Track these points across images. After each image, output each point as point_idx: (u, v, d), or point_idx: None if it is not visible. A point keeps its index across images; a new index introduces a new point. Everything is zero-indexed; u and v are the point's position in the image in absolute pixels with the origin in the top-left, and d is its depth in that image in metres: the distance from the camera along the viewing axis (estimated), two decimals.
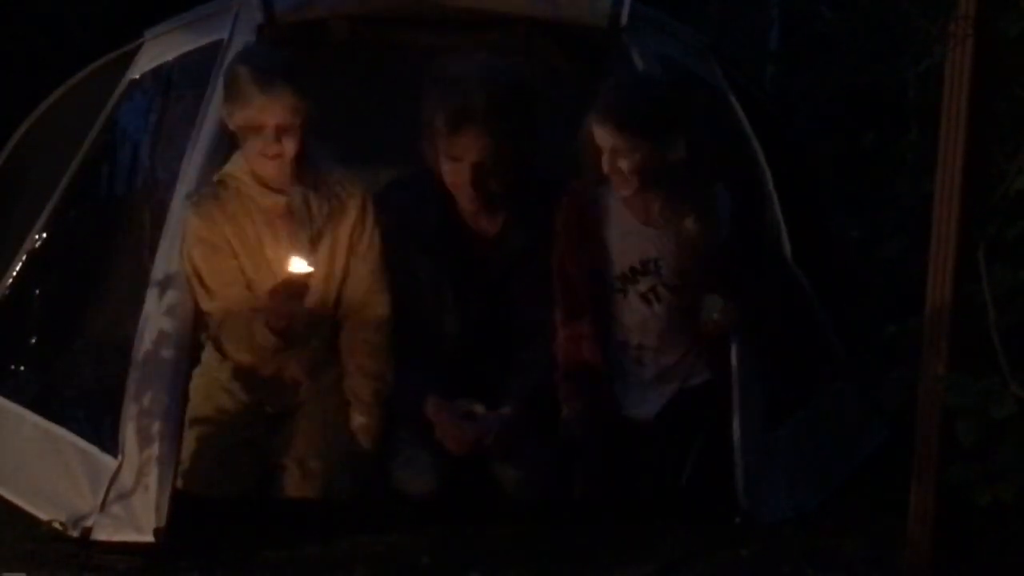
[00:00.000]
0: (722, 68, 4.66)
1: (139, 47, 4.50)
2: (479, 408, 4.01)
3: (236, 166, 4.01)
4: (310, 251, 3.98)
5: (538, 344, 4.10)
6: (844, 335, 4.61)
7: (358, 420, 4.07)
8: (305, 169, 4.01)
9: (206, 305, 3.98)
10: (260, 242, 4.00)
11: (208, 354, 4.07)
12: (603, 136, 3.91)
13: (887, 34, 5.54)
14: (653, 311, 4.05)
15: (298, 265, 3.80)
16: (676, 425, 4.04)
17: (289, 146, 3.91)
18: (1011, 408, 3.21)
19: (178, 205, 3.98)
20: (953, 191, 3.45)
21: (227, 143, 4.01)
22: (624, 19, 4.27)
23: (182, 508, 3.76)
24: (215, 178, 4.00)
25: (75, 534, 3.80)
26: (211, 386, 4.07)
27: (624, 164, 3.91)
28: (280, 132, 3.89)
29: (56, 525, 3.85)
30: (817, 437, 4.26)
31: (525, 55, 4.43)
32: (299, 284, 3.84)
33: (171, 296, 3.89)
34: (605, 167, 3.93)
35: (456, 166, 4.03)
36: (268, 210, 4.01)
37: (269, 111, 3.87)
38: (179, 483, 3.85)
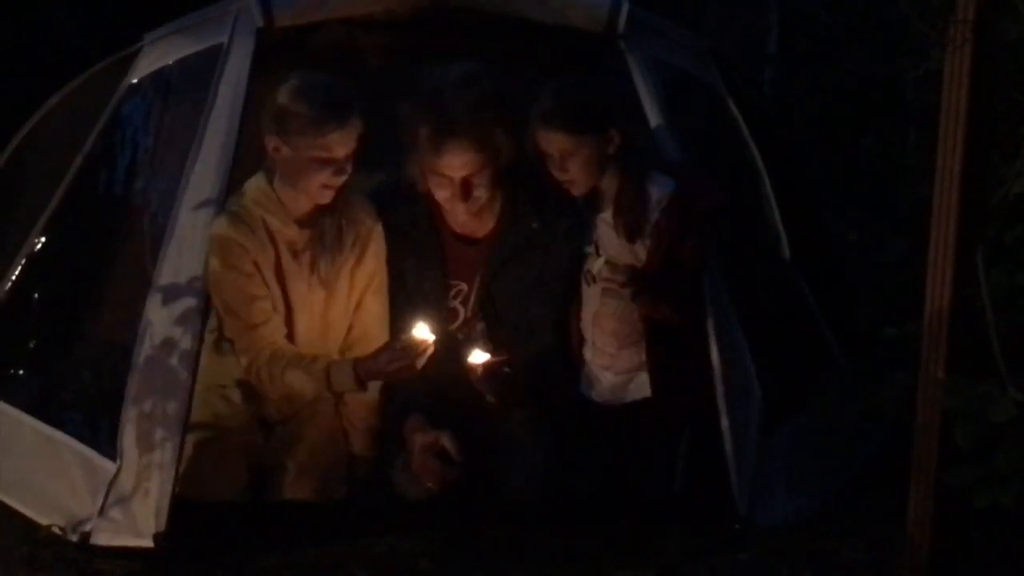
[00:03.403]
0: (720, 71, 4.66)
1: (138, 51, 4.50)
2: (451, 447, 3.98)
3: (259, 191, 4.01)
4: (333, 283, 4.03)
5: (528, 345, 4.09)
6: (843, 338, 4.61)
7: (354, 446, 4.11)
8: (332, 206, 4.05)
9: (236, 336, 4.00)
10: (284, 274, 4.02)
11: (207, 359, 4.07)
12: (550, 141, 3.97)
13: (886, 37, 5.55)
14: (587, 293, 4.11)
15: (423, 331, 3.87)
16: (618, 438, 4.10)
17: (350, 173, 3.97)
18: (1010, 411, 3.21)
19: (185, 215, 3.96)
20: (952, 194, 3.45)
21: (236, 154, 4.00)
22: (622, 24, 4.27)
23: (181, 513, 3.76)
24: (234, 202, 3.99)
25: (74, 538, 3.80)
26: (208, 392, 4.07)
27: (573, 164, 3.98)
28: (347, 162, 3.94)
29: (55, 529, 3.86)
30: (816, 441, 4.26)
31: (522, 59, 4.43)
32: (422, 350, 3.89)
33: (182, 304, 3.87)
34: (555, 171, 4.00)
35: (442, 181, 4.00)
36: (293, 242, 4.03)
37: (344, 143, 3.92)
38: (176, 488, 3.85)
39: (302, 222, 4.04)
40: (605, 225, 4.08)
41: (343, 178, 3.98)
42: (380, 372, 3.97)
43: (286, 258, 4.03)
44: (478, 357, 3.94)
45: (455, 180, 3.99)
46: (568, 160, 3.99)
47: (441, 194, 4.04)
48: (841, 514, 4.08)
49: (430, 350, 3.89)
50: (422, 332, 3.89)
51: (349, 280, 4.08)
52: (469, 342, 4.02)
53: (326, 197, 4.00)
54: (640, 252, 4.03)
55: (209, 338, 4.06)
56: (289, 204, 4.02)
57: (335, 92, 3.96)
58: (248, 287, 3.97)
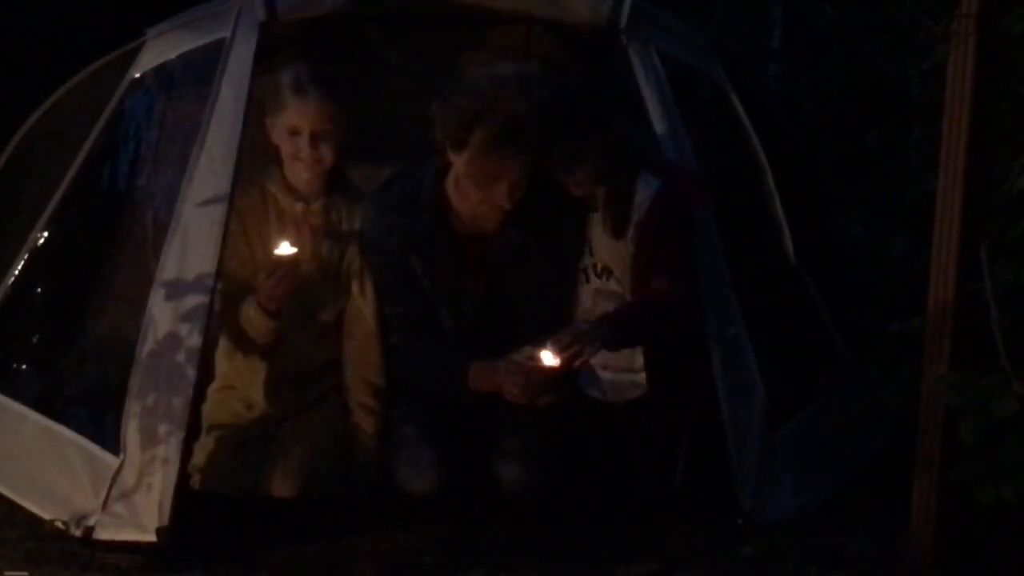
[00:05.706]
0: (725, 66, 4.66)
1: (141, 46, 4.49)
2: (533, 351, 3.92)
3: (275, 171, 4.12)
4: (316, 257, 4.06)
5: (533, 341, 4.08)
6: (847, 334, 4.61)
7: (360, 435, 4.11)
8: (335, 190, 4.11)
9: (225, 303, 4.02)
10: (273, 239, 4.04)
11: (220, 362, 4.13)
12: (559, 147, 3.95)
13: (890, 33, 5.54)
14: (579, 293, 4.12)
15: (286, 248, 3.90)
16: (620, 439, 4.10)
17: (326, 152, 4.03)
18: (1014, 406, 3.21)
19: (191, 210, 3.95)
20: (956, 190, 3.45)
21: (240, 148, 4.01)
22: (624, 19, 4.25)
23: (185, 507, 3.77)
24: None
25: (77, 533, 3.80)
26: (228, 398, 4.14)
27: (581, 167, 3.97)
28: (315, 138, 4.00)
29: (58, 524, 3.86)
30: (820, 436, 4.25)
31: (525, 54, 4.42)
32: (288, 264, 3.92)
33: (189, 301, 3.87)
34: (562, 174, 3.99)
35: (493, 184, 3.95)
36: (287, 212, 4.08)
37: (305, 116, 4.00)
38: (196, 483, 3.93)
39: (298, 198, 4.11)
40: (595, 224, 4.08)
41: (316, 154, 4.01)
42: (264, 293, 3.95)
43: (277, 226, 4.09)
44: (549, 359, 3.87)
45: (505, 182, 3.94)
46: (577, 163, 3.98)
47: (478, 195, 3.99)
48: (845, 509, 4.08)
49: (295, 261, 3.93)
50: (284, 249, 3.91)
51: (336, 268, 4.11)
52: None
53: (309, 171, 4.05)
54: (628, 250, 4.03)
55: (222, 343, 4.13)
56: (291, 179, 4.10)
57: (303, 73, 4.06)
58: (233, 239, 4.03)
